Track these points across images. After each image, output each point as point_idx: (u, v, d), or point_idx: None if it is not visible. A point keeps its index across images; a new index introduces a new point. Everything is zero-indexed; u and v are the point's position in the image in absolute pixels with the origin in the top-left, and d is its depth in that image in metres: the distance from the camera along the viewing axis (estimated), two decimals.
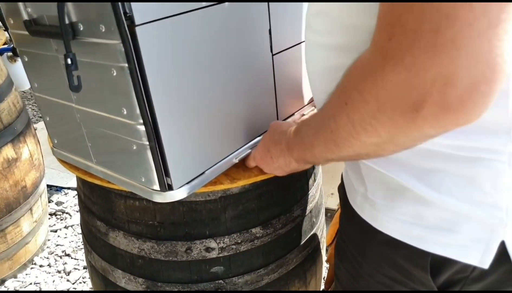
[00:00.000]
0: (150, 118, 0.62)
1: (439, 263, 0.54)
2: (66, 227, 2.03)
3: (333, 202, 2.06)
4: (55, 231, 2.00)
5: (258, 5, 0.74)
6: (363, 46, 0.43)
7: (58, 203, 2.18)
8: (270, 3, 0.76)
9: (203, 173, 0.73)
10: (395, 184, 0.54)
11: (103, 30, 0.58)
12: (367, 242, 0.62)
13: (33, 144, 1.73)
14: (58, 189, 2.31)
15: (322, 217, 1.16)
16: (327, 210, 1.73)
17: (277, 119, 0.88)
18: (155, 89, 0.60)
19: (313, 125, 0.56)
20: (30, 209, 1.71)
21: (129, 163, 0.70)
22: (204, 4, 0.63)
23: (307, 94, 0.97)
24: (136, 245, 0.90)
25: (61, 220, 2.09)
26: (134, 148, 0.66)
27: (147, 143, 0.64)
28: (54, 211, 2.13)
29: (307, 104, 0.97)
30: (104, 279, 1.02)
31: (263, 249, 0.93)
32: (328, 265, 1.59)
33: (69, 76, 0.56)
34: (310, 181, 1.03)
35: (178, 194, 0.70)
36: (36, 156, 1.74)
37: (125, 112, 0.64)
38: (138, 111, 0.61)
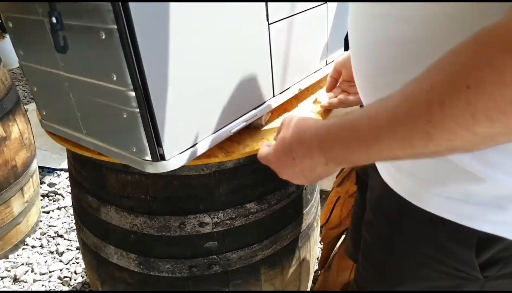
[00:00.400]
0: (140, 84, 0.59)
1: (484, 241, 0.52)
2: (59, 208, 2.00)
3: (328, 184, 2.06)
4: (48, 212, 1.98)
5: None
6: (442, 17, 0.38)
7: (51, 185, 2.15)
8: None
9: (196, 144, 0.71)
10: (444, 160, 0.51)
11: None
12: (404, 219, 0.60)
13: (23, 124, 1.69)
14: (50, 170, 2.28)
15: (316, 195, 1.15)
16: (322, 192, 1.73)
17: (273, 93, 0.86)
18: (146, 54, 0.58)
19: (384, 116, 0.44)
20: (21, 189, 1.68)
21: (120, 132, 0.68)
22: None
23: (305, 68, 0.95)
24: (129, 220, 0.89)
25: (54, 201, 2.06)
26: (125, 115, 0.64)
27: (138, 110, 0.62)
28: (46, 192, 2.10)
29: (304, 78, 0.95)
30: (96, 256, 1.00)
31: (257, 225, 0.92)
32: (322, 245, 1.59)
33: (55, 37, 0.53)
34: None
35: (171, 164, 0.68)
36: (27, 135, 1.71)
37: (114, 78, 0.61)
38: (128, 76, 0.59)
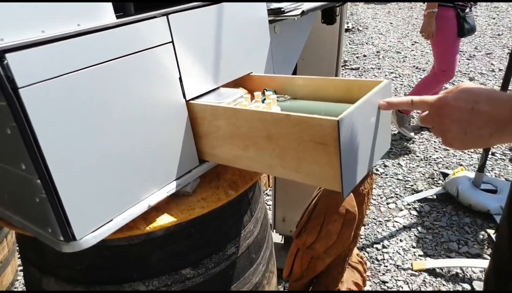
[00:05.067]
0: (45, 172, 0.64)
1: None
2: None
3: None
4: None
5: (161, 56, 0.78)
6: None
7: None
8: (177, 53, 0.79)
9: (111, 220, 0.74)
10: None
11: None
12: None
13: None
14: None
15: (266, 251, 1.16)
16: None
17: (198, 160, 0.90)
18: (47, 146, 0.62)
19: None
20: None
21: (37, 214, 0.72)
22: (91, 63, 0.66)
23: None
24: (68, 289, 0.91)
25: None
26: (37, 200, 0.68)
27: (46, 196, 0.65)
28: None
29: None
30: None
31: (196, 290, 0.94)
32: None
33: None
34: (245, 218, 1.04)
35: (85, 243, 0.71)
36: None
37: (23, 167, 0.66)
38: (33, 166, 0.63)
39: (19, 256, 2.04)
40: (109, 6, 0.71)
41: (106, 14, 0.70)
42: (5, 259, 1.80)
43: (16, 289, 1.89)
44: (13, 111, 0.59)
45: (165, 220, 0.83)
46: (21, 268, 2.00)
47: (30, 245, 0.95)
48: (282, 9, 0.99)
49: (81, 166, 0.67)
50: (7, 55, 0.56)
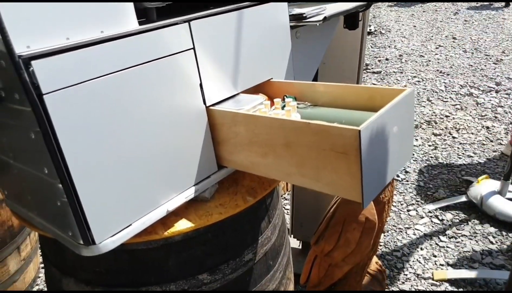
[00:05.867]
0: (67, 177, 0.65)
1: None
2: None
3: None
4: None
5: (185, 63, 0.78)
6: None
7: None
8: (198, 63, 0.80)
9: (130, 225, 0.75)
10: None
11: (18, 98, 0.62)
12: None
13: None
14: None
15: (283, 258, 1.15)
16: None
17: (217, 166, 0.90)
18: (69, 152, 0.63)
19: None
20: (18, 248, 1.76)
21: (59, 217, 0.73)
22: (118, 68, 0.67)
23: None
24: (86, 291, 0.92)
25: None
26: (59, 204, 0.69)
27: (67, 200, 0.67)
28: None
29: None
30: None
31: None
32: None
33: None
34: (263, 224, 1.03)
35: (104, 247, 0.72)
36: None
37: (46, 172, 0.67)
38: (55, 171, 0.64)
39: (41, 253, 2.09)
40: (132, 12, 0.71)
41: (129, 20, 0.71)
42: (28, 256, 1.84)
43: (38, 286, 1.93)
44: (37, 117, 0.60)
45: (183, 225, 0.83)
46: (43, 264, 2.04)
47: (51, 246, 0.97)
48: (304, 15, 0.98)
49: (102, 171, 0.68)
50: (33, 62, 0.57)
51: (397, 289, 1.91)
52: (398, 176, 2.81)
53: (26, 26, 0.57)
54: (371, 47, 5.82)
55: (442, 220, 2.36)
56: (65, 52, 0.61)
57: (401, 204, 2.53)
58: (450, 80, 4.38)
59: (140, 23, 0.74)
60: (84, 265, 0.91)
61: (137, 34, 0.70)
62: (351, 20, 1.26)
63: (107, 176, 0.69)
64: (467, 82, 4.28)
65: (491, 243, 2.15)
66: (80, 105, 0.64)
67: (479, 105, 3.76)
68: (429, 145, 3.17)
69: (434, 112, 3.68)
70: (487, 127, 3.36)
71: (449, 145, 3.17)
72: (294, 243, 2.16)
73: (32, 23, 0.58)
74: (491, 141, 3.16)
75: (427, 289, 1.90)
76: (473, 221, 2.33)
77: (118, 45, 0.67)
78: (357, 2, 0.95)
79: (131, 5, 0.71)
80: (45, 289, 1.90)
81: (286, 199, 2.61)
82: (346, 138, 0.65)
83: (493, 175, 2.75)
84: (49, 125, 0.61)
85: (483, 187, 2.40)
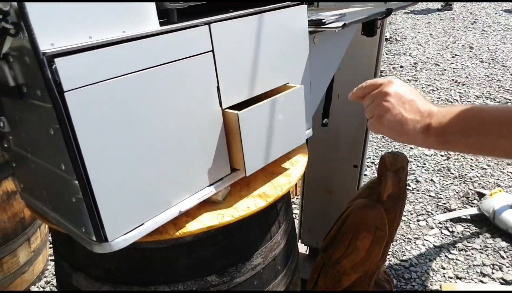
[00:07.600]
0: (83, 174, 0.65)
1: None
2: None
3: None
4: None
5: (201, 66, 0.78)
6: None
7: None
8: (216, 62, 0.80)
9: (142, 224, 0.75)
10: None
11: (39, 95, 0.63)
12: None
13: None
14: None
15: (291, 264, 1.15)
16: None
17: (230, 168, 0.90)
18: (87, 149, 0.64)
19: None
20: (28, 240, 1.78)
21: (73, 213, 0.74)
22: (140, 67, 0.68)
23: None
24: (95, 287, 0.93)
25: None
26: (74, 200, 0.70)
27: (82, 197, 0.67)
28: None
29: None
30: None
31: None
32: None
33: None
34: (273, 228, 1.03)
35: (116, 245, 0.72)
36: None
37: (63, 168, 0.67)
38: (72, 168, 0.65)
39: (50, 245, 2.11)
40: (153, 13, 0.72)
41: (150, 21, 0.71)
42: (37, 248, 1.86)
43: (46, 278, 1.95)
44: (57, 114, 0.61)
45: (195, 226, 0.83)
46: (51, 257, 2.07)
47: (63, 240, 0.98)
48: (323, 21, 0.98)
49: (118, 170, 0.69)
50: (56, 59, 0.58)
51: None
52: (409, 185, 2.78)
53: (51, 24, 0.58)
54: (386, 54, 5.78)
55: (453, 232, 2.33)
56: (87, 50, 0.61)
57: (411, 214, 2.50)
58: (465, 90, 4.32)
59: (161, 24, 0.74)
60: (95, 261, 0.92)
61: (158, 34, 0.70)
62: (369, 27, 1.25)
63: (122, 175, 0.70)
64: (482, 93, 4.22)
65: (502, 257, 2.12)
66: (99, 103, 0.64)
67: None
68: (441, 156, 3.14)
69: None
70: None
71: (462, 156, 3.13)
72: (302, 248, 2.15)
73: (56, 21, 0.59)
74: None
75: None
76: (485, 235, 2.29)
77: (139, 45, 0.68)
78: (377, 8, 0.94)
79: (153, 5, 0.71)
80: (53, 281, 1.92)
81: (294, 203, 2.60)
82: (233, 121, 0.82)
83: (506, 188, 2.71)
84: (68, 122, 0.62)
85: (496, 200, 2.37)
